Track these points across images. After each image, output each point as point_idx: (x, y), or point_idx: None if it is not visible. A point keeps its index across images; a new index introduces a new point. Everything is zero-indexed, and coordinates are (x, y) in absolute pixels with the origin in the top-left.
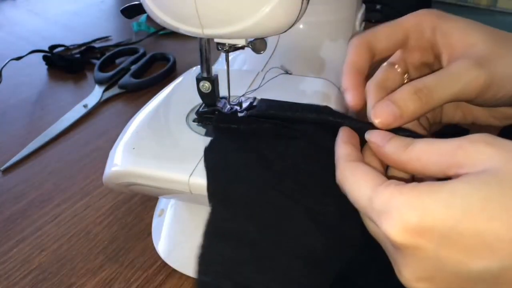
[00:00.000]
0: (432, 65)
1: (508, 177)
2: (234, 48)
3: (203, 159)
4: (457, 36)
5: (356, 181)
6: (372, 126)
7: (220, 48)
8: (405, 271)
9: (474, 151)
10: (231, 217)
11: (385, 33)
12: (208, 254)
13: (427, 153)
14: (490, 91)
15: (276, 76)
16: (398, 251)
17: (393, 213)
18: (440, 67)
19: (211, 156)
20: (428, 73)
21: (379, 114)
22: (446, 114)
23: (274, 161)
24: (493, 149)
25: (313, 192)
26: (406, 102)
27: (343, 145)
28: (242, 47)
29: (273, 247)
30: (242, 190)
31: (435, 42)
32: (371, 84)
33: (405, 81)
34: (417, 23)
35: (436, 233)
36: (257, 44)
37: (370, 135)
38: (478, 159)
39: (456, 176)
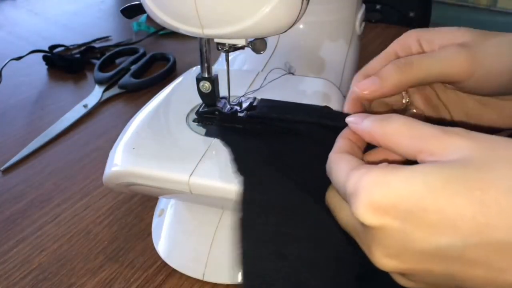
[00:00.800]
0: None
1: (475, 162)
2: (234, 48)
3: (203, 158)
4: (440, 38)
5: (337, 169)
6: None
7: (220, 48)
8: (374, 249)
9: (448, 142)
10: (261, 190)
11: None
12: (247, 221)
13: (401, 133)
14: (476, 71)
15: (279, 77)
16: (367, 232)
17: (360, 192)
18: None
19: (227, 137)
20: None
21: (361, 86)
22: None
23: (283, 155)
24: (466, 141)
25: (319, 191)
26: (386, 72)
27: (338, 139)
28: (242, 47)
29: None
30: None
31: (422, 52)
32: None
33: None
34: (402, 44)
35: (400, 209)
36: (257, 44)
37: (349, 117)
38: (450, 150)
39: (423, 162)
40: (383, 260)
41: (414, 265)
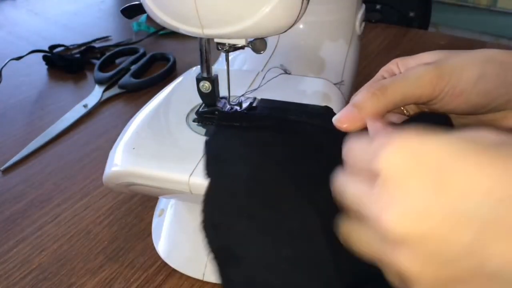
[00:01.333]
0: None
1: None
2: (234, 48)
3: (203, 158)
4: (412, 61)
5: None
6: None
7: (220, 48)
8: (392, 208)
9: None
10: (229, 192)
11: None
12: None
13: (353, 151)
14: (445, 86)
15: (276, 76)
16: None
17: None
18: None
19: (211, 144)
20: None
21: (340, 118)
22: None
23: (274, 149)
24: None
25: (309, 187)
26: (363, 99)
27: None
28: (242, 47)
29: (272, 222)
30: (240, 166)
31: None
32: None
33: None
34: (387, 70)
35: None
36: (257, 44)
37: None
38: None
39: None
40: (399, 218)
41: (435, 227)
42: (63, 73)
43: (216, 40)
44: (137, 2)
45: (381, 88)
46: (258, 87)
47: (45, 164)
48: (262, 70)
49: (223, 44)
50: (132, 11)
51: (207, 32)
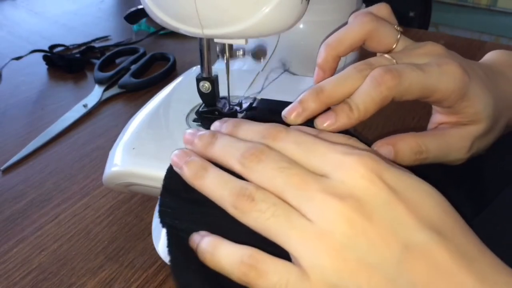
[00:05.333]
0: None
1: None
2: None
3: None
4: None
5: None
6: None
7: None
8: None
9: None
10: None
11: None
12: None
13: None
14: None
15: (278, 77)
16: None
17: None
18: None
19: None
20: None
21: (286, 110)
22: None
23: None
24: None
25: None
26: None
27: None
28: (243, 54)
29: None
30: None
31: None
32: None
33: None
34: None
35: None
36: (257, 53)
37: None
38: None
39: None
40: None
41: None
42: (63, 73)
43: (216, 40)
44: (140, 7)
45: (320, 92)
46: (262, 90)
47: (45, 164)
48: (262, 70)
49: (224, 52)
50: (135, 16)
51: (207, 32)
